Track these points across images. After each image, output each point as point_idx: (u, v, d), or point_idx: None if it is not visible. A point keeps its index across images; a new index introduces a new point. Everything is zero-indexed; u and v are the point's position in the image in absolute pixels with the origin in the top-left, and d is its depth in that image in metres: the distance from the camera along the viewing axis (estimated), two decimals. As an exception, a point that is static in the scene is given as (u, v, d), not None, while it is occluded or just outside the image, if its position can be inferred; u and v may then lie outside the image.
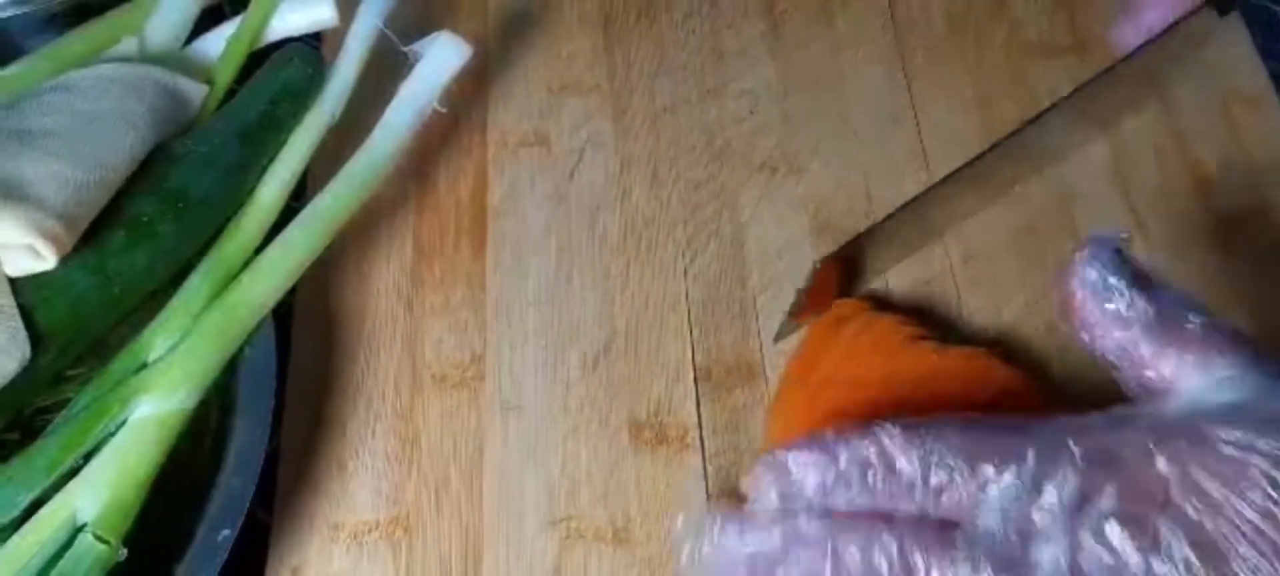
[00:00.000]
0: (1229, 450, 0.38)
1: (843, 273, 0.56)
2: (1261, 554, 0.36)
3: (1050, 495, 0.38)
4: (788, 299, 0.58)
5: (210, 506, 0.47)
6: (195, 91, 0.56)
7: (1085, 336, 0.43)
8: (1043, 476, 0.38)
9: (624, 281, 0.59)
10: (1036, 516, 0.38)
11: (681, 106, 0.65)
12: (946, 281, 0.58)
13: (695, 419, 0.55)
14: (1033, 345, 0.56)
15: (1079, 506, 0.38)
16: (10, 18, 0.61)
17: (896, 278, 0.59)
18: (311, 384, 0.56)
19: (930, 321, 0.57)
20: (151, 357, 0.49)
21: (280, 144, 0.55)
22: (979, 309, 0.57)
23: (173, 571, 0.46)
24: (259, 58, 0.59)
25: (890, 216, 0.54)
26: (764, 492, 0.41)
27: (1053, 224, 0.60)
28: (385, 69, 0.57)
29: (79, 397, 0.48)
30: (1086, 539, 0.37)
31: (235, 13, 0.59)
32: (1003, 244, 0.59)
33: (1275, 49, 0.65)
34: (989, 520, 0.39)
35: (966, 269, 0.58)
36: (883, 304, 0.58)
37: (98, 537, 0.44)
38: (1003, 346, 0.56)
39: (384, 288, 0.59)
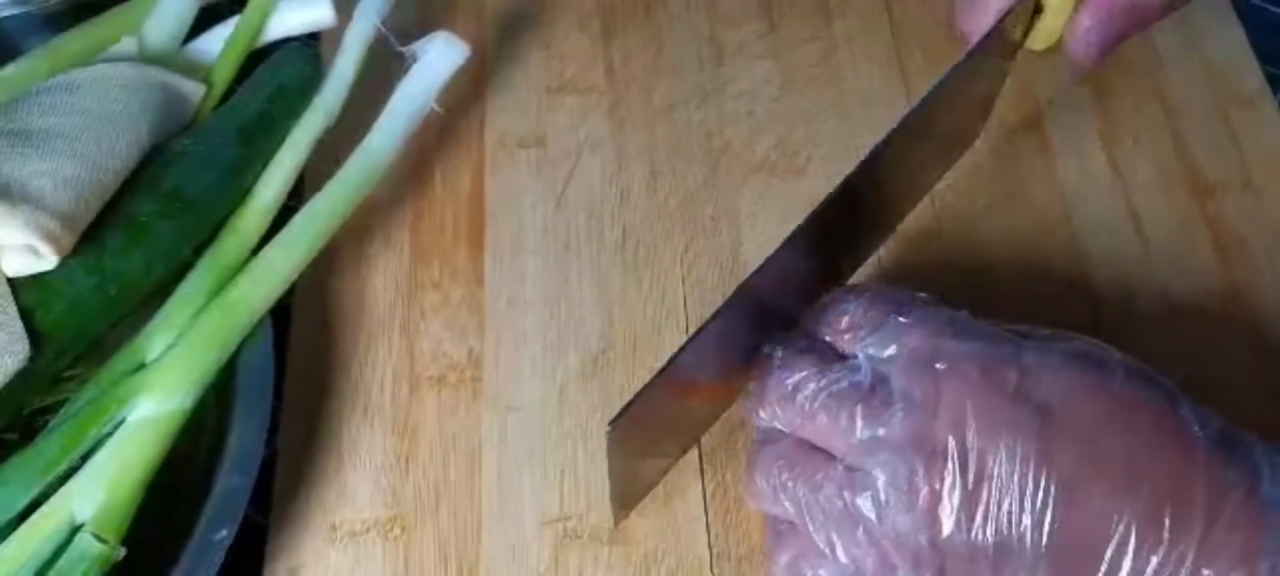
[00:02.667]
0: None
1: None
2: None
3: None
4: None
5: (208, 506, 0.47)
6: (193, 91, 0.56)
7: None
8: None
9: (622, 282, 0.59)
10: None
11: (679, 106, 0.65)
12: (946, 281, 0.58)
13: (693, 419, 0.55)
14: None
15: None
16: (8, 17, 0.61)
17: (895, 277, 0.59)
18: (309, 384, 0.56)
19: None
20: (150, 358, 0.49)
21: (278, 144, 0.55)
22: (979, 309, 0.57)
23: (170, 571, 0.46)
24: (257, 57, 0.59)
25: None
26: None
27: (1052, 224, 0.60)
28: (383, 69, 0.57)
29: (77, 398, 0.48)
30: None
31: (233, 12, 0.59)
32: (1002, 244, 0.59)
33: (1273, 50, 0.65)
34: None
35: (959, 270, 0.58)
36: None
37: (96, 537, 0.44)
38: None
39: (382, 287, 0.59)
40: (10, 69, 0.56)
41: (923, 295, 0.48)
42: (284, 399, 0.55)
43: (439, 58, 0.57)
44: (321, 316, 0.58)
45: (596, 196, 0.61)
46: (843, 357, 0.46)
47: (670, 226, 0.60)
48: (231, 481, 0.48)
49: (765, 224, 0.60)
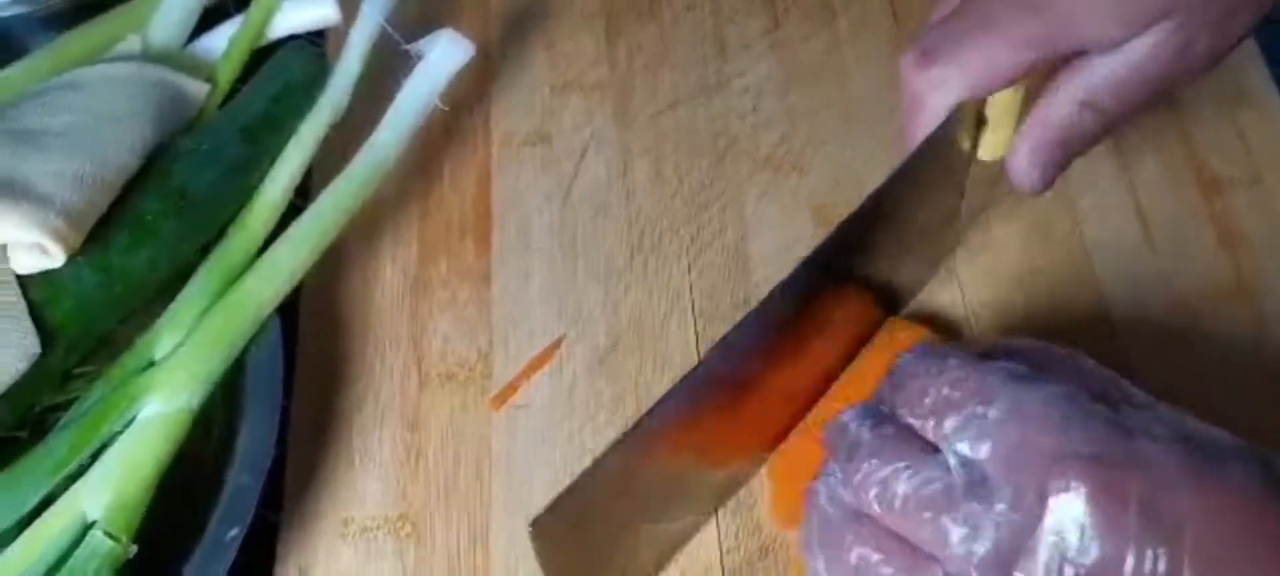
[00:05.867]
0: None
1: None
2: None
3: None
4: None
5: (218, 504, 0.47)
6: (197, 89, 0.56)
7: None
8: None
9: (628, 279, 0.59)
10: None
11: (684, 103, 0.65)
12: (949, 281, 0.58)
13: (701, 415, 0.55)
14: (1037, 341, 0.56)
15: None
16: (12, 17, 0.61)
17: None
18: (318, 381, 0.56)
19: (934, 322, 0.57)
20: (158, 356, 0.49)
21: (283, 142, 0.55)
22: (983, 308, 0.57)
23: (181, 570, 0.46)
24: (262, 56, 0.59)
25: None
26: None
27: (1057, 223, 0.60)
28: (388, 67, 0.57)
29: (87, 396, 0.48)
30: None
31: (238, 11, 0.59)
32: (1006, 243, 0.59)
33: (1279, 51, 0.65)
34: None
35: (969, 269, 0.58)
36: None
37: (107, 535, 0.44)
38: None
39: (389, 285, 0.59)
40: (15, 68, 0.56)
41: (1008, 366, 0.43)
42: (293, 396, 0.55)
43: (444, 55, 0.57)
44: (329, 314, 0.58)
45: (602, 193, 0.61)
46: (919, 436, 0.43)
47: (675, 222, 0.60)
48: (242, 479, 0.48)
49: (770, 219, 0.60)
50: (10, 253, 0.47)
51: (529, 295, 0.58)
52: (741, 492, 0.52)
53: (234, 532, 0.47)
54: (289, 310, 0.54)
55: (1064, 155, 0.47)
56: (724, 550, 0.51)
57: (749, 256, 0.59)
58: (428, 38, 0.57)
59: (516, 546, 0.51)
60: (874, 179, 0.61)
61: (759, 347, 0.47)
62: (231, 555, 0.46)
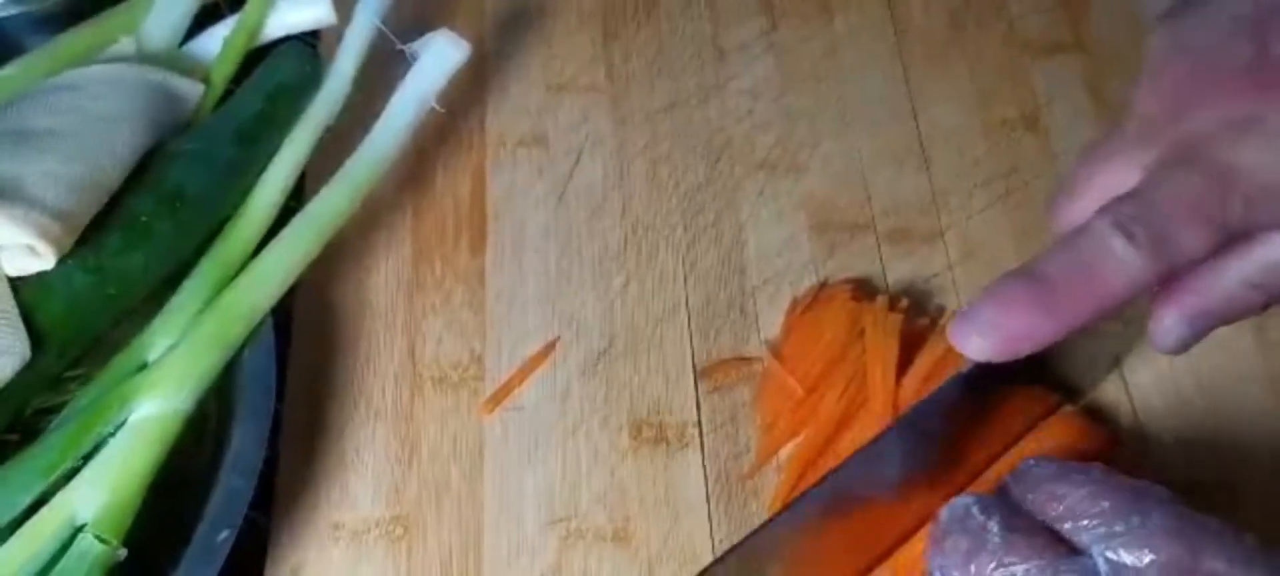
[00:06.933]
0: None
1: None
2: None
3: None
4: (786, 298, 0.58)
5: (210, 507, 0.47)
6: (192, 90, 0.56)
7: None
8: None
9: (623, 280, 0.58)
10: None
11: (680, 105, 0.64)
12: (946, 280, 0.58)
13: (695, 417, 0.55)
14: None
15: None
16: (8, 17, 0.61)
17: (895, 275, 0.58)
18: (311, 384, 0.56)
19: (931, 321, 0.57)
20: (151, 358, 0.49)
21: (277, 143, 0.55)
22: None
23: (172, 572, 0.46)
24: (256, 57, 0.59)
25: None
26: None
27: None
28: (383, 68, 0.57)
29: (78, 398, 0.48)
30: None
31: (232, 11, 0.59)
32: (1003, 243, 0.59)
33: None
34: None
35: (966, 268, 0.58)
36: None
37: (98, 538, 0.44)
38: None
39: (383, 287, 0.58)
40: (9, 69, 0.56)
41: (1153, 488, 0.42)
42: (286, 399, 0.55)
43: (439, 56, 0.57)
44: (323, 316, 0.58)
45: (597, 195, 0.61)
46: (1058, 538, 0.42)
47: (671, 224, 0.60)
48: (233, 482, 0.48)
49: (766, 221, 0.60)
50: (1, 254, 0.47)
51: (523, 297, 0.58)
52: (733, 492, 0.52)
53: (225, 535, 0.46)
54: (282, 311, 0.54)
55: (1217, 325, 0.44)
56: (718, 551, 0.51)
57: (745, 258, 0.59)
58: (423, 39, 0.57)
59: (509, 549, 0.51)
60: (872, 180, 0.62)
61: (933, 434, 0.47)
62: (222, 558, 0.46)
